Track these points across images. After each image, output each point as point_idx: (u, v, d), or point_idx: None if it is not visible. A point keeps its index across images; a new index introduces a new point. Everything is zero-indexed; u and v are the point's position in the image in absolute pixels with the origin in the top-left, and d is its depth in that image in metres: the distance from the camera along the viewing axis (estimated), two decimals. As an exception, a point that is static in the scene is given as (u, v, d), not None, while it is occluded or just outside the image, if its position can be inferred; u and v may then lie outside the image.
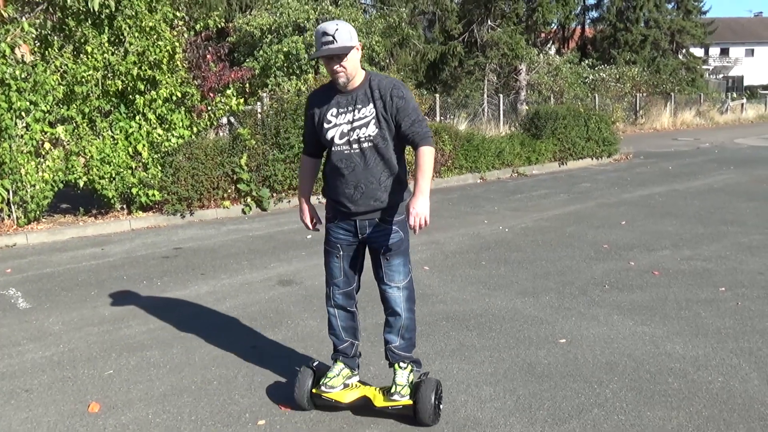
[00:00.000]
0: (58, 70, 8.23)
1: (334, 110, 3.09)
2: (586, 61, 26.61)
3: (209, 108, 9.67)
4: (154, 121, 8.80)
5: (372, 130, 3.03)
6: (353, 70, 3.02)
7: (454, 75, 22.06)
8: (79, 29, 8.47)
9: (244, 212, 9.29)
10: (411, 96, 3.09)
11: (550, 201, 9.59)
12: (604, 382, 3.60)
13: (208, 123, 9.73)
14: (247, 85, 12.19)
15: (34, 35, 8.08)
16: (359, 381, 3.46)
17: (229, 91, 9.90)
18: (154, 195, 8.62)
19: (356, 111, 3.03)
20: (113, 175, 8.40)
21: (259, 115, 10.78)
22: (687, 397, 3.41)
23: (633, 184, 11.03)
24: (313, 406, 3.35)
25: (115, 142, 8.50)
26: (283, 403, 3.48)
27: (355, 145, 3.05)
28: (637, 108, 25.56)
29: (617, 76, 25.20)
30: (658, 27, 30.98)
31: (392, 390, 3.19)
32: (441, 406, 3.21)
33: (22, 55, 8.03)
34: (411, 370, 3.29)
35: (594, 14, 33.79)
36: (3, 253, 7.26)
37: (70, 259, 6.87)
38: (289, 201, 9.77)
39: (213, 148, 9.09)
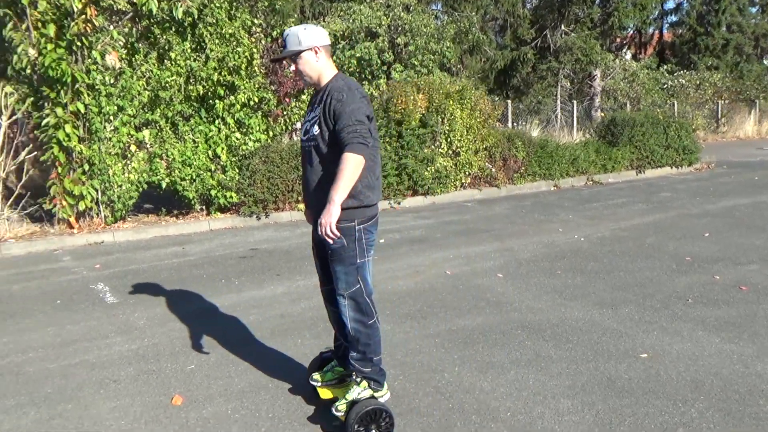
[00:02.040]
0: (144, 76, 8.58)
1: (309, 107, 3.21)
2: (665, 67, 25.73)
3: (285, 113, 9.87)
4: (233, 125, 9.05)
5: (315, 130, 3.05)
6: (311, 72, 3.08)
7: (526, 81, 21.76)
8: (164, 37, 8.81)
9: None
10: (352, 100, 2.93)
11: (627, 210, 9.31)
12: (689, 401, 3.46)
13: (284, 127, 9.94)
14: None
15: (122, 43, 8.46)
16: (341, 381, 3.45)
17: (304, 97, 10.07)
18: (231, 197, 8.87)
19: (313, 110, 3.09)
20: (194, 177, 8.69)
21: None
22: (780, 420, 3.24)
23: (716, 194, 10.57)
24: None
25: (196, 145, 8.79)
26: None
27: (306, 144, 3.12)
28: (719, 115, 24.50)
29: (697, 82, 24.24)
30: (741, 31, 29.65)
31: (336, 403, 3.18)
32: None
33: (112, 63, 8.41)
34: (366, 387, 3.16)
35: (673, 18, 32.63)
36: (92, 249, 7.62)
37: (153, 257, 7.13)
38: (361, 205, 9.85)
39: (288, 152, 9.27)
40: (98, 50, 7.98)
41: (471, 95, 10.85)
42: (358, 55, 13.15)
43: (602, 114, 18.79)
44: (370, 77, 13.56)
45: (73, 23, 7.65)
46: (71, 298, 5.60)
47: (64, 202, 7.97)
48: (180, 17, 8.44)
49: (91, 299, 5.56)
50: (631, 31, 29.46)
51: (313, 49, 3.05)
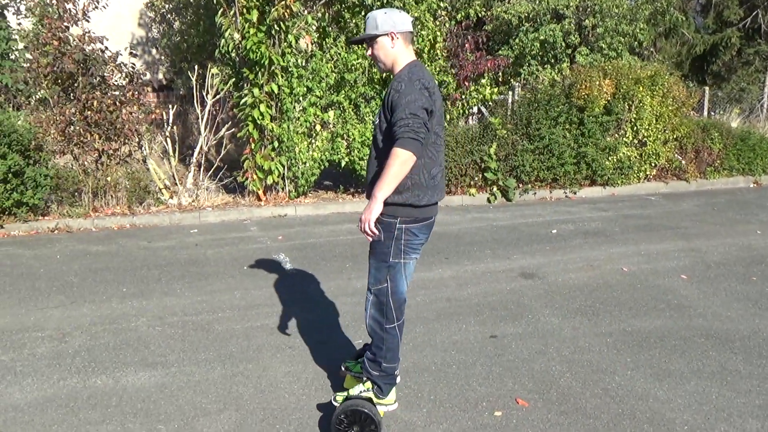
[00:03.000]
0: (332, 59, 8.97)
1: None
2: None
3: (463, 96, 9.84)
4: (411, 108, 9.17)
5: (376, 120, 2.92)
6: (385, 58, 2.96)
7: (728, 66, 19.71)
8: (353, 21, 9.14)
9: (489, 201, 9.33)
10: (410, 91, 2.76)
11: (843, 214, 8.16)
12: None
13: (461, 111, 9.92)
14: (501, 73, 12.14)
15: (315, 27, 8.91)
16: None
17: (483, 80, 9.97)
18: (405, 178, 9.03)
19: (384, 98, 2.91)
20: (371, 158, 8.95)
21: (510, 105, 10.71)
22: None
23: None
24: None
25: (375, 126, 9.03)
26: (521, 397, 3.43)
27: (372, 133, 2.99)
28: None
29: None
30: None
31: (337, 393, 3.11)
32: None
33: (305, 46, 8.89)
34: (369, 389, 3.03)
35: None
36: (276, 221, 8.18)
37: (330, 232, 7.49)
38: (535, 193, 9.59)
39: (463, 136, 9.25)
40: (294, 34, 8.45)
41: (663, 81, 10.05)
42: (542, 37, 12.69)
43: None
44: (552, 61, 13.05)
45: (273, 9, 8.17)
46: (256, 265, 6.05)
47: (255, 176, 8.62)
48: (371, 2, 8.70)
49: (273, 268, 5.96)
50: None
51: (390, 35, 2.93)
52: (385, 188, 2.74)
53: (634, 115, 9.87)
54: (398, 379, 3.36)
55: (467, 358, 3.95)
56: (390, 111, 2.82)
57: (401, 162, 2.71)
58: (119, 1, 11.65)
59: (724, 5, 19.05)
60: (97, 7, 8.62)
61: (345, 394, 3.12)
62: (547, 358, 3.93)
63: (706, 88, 16.51)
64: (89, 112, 8.00)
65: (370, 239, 2.89)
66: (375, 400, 3.04)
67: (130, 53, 9.08)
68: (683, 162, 10.46)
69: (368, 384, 3.08)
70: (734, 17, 19.07)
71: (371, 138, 3.12)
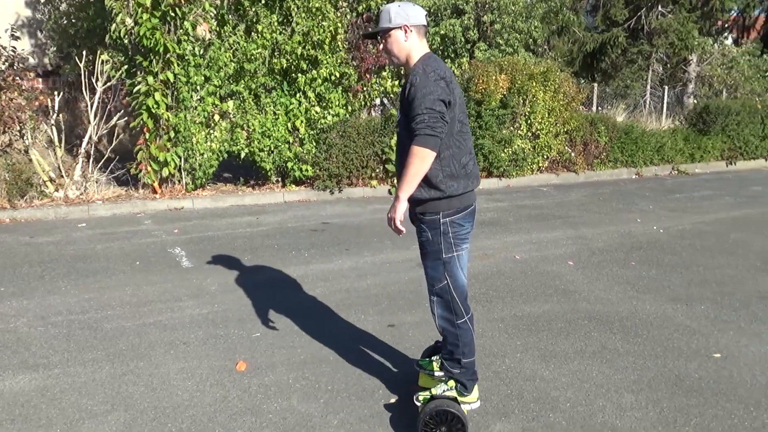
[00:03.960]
0: (231, 48, 8.76)
1: None
2: (768, 53, 24.09)
3: (365, 88, 9.88)
4: (313, 99, 9.15)
5: (398, 115, 2.90)
6: (398, 52, 2.91)
7: (615, 64, 20.86)
8: (253, 9, 8.97)
9: (389, 192, 9.44)
10: (424, 84, 2.72)
11: (713, 203, 8.84)
12: (763, 406, 3.27)
13: (363, 103, 9.96)
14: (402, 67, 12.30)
15: (213, 14, 8.67)
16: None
17: (384, 73, 10.05)
18: (307, 170, 9.00)
19: (402, 93, 2.90)
20: (272, 149, 8.86)
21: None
22: None
23: (814, 191, 9.90)
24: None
25: (276, 117, 8.93)
26: (416, 384, 3.50)
27: (397, 129, 2.98)
28: (826, 107, 22.81)
29: (804, 71, 22.59)
30: None
31: (420, 392, 3.10)
32: None
33: (202, 34, 8.63)
34: (452, 387, 3.01)
35: (782, 0, 30.43)
36: (172, 214, 7.92)
37: (229, 225, 7.34)
38: (435, 184, 9.79)
39: (365, 128, 9.30)
40: (190, 21, 8.19)
41: (555, 77, 10.52)
42: (442, 32, 12.95)
43: (695, 101, 17.85)
44: (453, 55, 13.35)
45: (167, -6, 7.89)
46: (150, 260, 5.85)
47: (149, 168, 8.30)
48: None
49: (167, 263, 5.78)
50: (735, 14, 27.68)
51: (403, 28, 2.87)
52: (407, 187, 2.73)
53: (528, 109, 10.27)
54: None
55: (365, 348, 3.99)
56: (408, 106, 2.76)
57: (420, 160, 2.68)
58: (-2, -20, 10.87)
59: (611, 4, 20.10)
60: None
61: (427, 394, 3.03)
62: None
63: (595, 85, 17.43)
64: (-37, 99, 7.43)
65: (399, 235, 2.83)
66: (459, 398, 2.98)
67: (11, 35, 8.48)
68: (573, 154, 11.00)
69: (451, 383, 3.01)
70: (620, 17, 20.16)
71: (397, 132, 3.01)
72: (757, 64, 21.58)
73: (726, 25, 28.27)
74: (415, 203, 2.87)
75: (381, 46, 3.01)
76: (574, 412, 3.23)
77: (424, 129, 2.67)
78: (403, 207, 2.76)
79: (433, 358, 3.32)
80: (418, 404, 3.05)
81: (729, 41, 26.51)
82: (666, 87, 18.87)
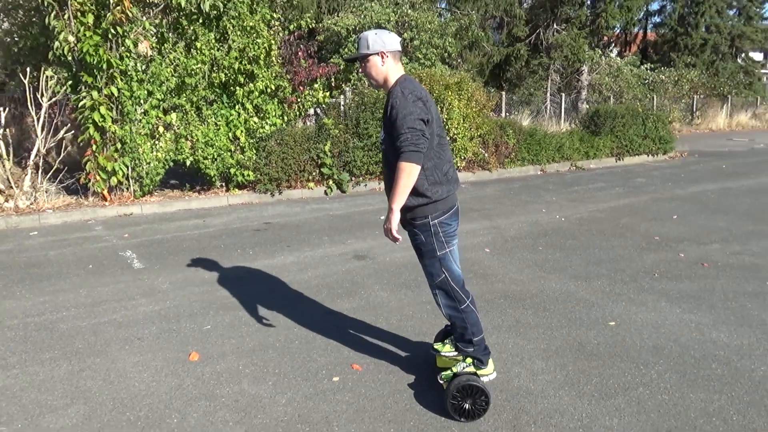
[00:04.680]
0: (172, 64, 8.52)
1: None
2: (647, 64, 25.39)
3: (299, 100, 9.81)
4: (251, 110, 9.01)
5: (382, 134, 2.97)
6: (376, 75, 2.95)
7: (519, 74, 21.51)
8: (191, 28, 8.74)
9: (326, 193, 9.43)
10: (404, 106, 2.77)
11: (605, 194, 9.27)
12: (650, 364, 3.48)
13: (298, 113, 9.89)
14: (333, 79, 12.27)
15: (153, 32, 8.40)
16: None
17: (316, 85, 10.01)
18: (249, 175, 8.87)
19: (384, 114, 2.96)
20: (215, 157, 8.68)
21: (342, 107, 10.87)
22: (729, 383, 3.25)
23: (686, 180, 10.51)
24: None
25: (218, 127, 8.76)
26: (355, 362, 3.54)
27: (381, 147, 3.03)
28: (694, 109, 24.25)
29: (676, 79, 23.91)
30: (718, 32, 29.16)
31: (443, 372, 3.16)
32: (469, 407, 2.94)
33: (144, 51, 8.36)
34: (470, 363, 3.08)
35: (656, 19, 32.12)
36: (122, 220, 7.65)
37: (177, 228, 7.15)
38: (365, 185, 9.83)
39: (301, 136, 9.24)
40: (131, 39, 7.91)
41: (468, 87, 10.75)
42: (366, 48, 13.02)
43: (587, 106, 18.61)
44: (377, 69, 13.46)
45: (109, 13, 7.59)
46: (102, 263, 5.64)
47: (98, 177, 7.98)
48: (207, 10, 8.38)
49: (119, 265, 5.59)
50: (618, 31, 28.99)
51: (380, 54, 2.91)
52: (399, 199, 2.80)
53: (445, 116, 10.46)
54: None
55: (308, 334, 3.99)
56: (392, 126, 2.81)
57: (407, 174, 2.76)
58: (-62, 1, 10.17)
59: (514, 24, 20.72)
60: None
61: (448, 372, 3.07)
62: (377, 328, 4.08)
63: (503, 93, 17.91)
64: None
65: (397, 243, 2.87)
66: (478, 372, 3.05)
67: (-46, 54, 7.98)
68: (486, 155, 11.28)
69: (468, 360, 3.07)
70: (522, 33, 20.80)
71: (382, 150, 2.98)
72: (638, 73, 22.74)
73: (611, 40, 29.61)
74: (405, 211, 2.92)
75: (361, 70, 3.03)
76: (495, 379, 3.33)
77: (408, 146, 2.75)
78: (397, 218, 2.83)
79: (446, 340, 3.35)
80: (442, 382, 3.11)
81: (614, 54, 27.78)
82: (563, 94, 19.60)
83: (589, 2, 21.87)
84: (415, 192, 2.88)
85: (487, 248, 6.06)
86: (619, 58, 24.14)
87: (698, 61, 28.18)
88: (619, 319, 4.18)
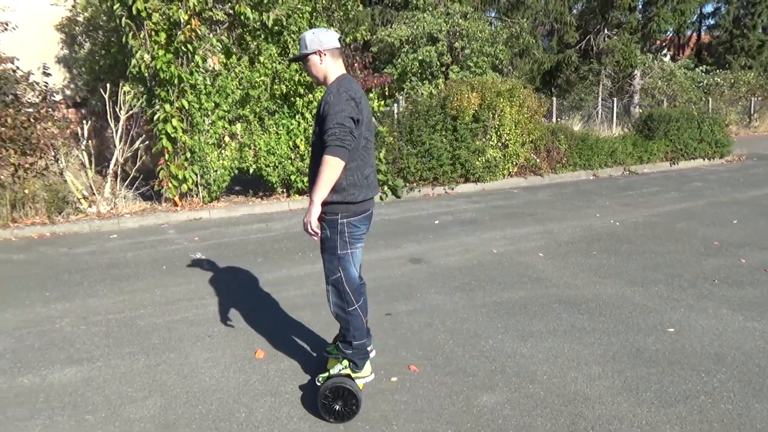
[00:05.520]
0: (237, 77, 8.75)
1: None
2: (701, 67, 24.36)
3: (355, 109, 9.88)
4: (310, 119, 9.14)
5: (315, 128, 2.92)
6: (316, 73, 2.94)
7: (569, 80, 21.04)
8: (254, 43, 8.95)
9: (381, 198, 9.46)
10: (336, 102, 2.75)
11: (660, 198, 8.93)
12: (712, 372, 3.32)
13: (354, 122, 9.95)
14: (387, 89, 12.32)
15: (220, 48, 8.66)
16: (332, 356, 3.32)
17: (371, 95, 10.07)
18: (307, 181, 8.98)
19: (318, 109, 2.91)
20: (276, 164, 8.84)
21: (395, 116, 10.89)
22: (799, 394, 3.07)
23: (745, 184, 10.00)
24: None
25: (279, 137, 8.93)
26: (412, 364, 3.53)
27: (313, 139, 3.00)
28: (752, 112, 23.08)
29: (732, 81, 22.82)
30: (776, 32, 27.69)
31: (320, 374, 3.12)
32: (340, 409, 2.91)
33: (211, 65, 8.62)
34: (345, 366, 3.03)
35: (710, 21, 30.81)
36: (192, 224, 7.89)
37: (242, 231, 7.32)
38: (420, 190, 9.82)
39: (357, 143, 9.29)
40: (200, 55, 8.18)
41: (519, 93, 10.58)
42: (420, 57, 13.01)
43: (640, 110, 18.01)
44: (430, 77, 13.40)
45: (180, 32, 7.86)
46: (174, 264, 5.83)
47: (170, 184, 8.27)
48: (270, 25, 8.58)
49: (190, 266, 5.76)
50: (670, 34, 27.95)
51: (317, 53, 2.90)
52: (320, 192, 2.76)
53: (498, 122, 10.33)
54: (373, 354, 3.32)
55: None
56: (323, 121, 2.78)
57: (331, 168, 2.72)
58: (31, 21, 10.77)
59: (564, 30, 20.27)
60: (6, 29, 7.96)
61: (326, 374, 3.07)
62: (433, 330, 4.06)
63: (554, 99, 17.55)
64: (3, 129, 7.37)
65: (315, 239, 2.87)
66: (353, 375, 3.03)
67: (44, 72, 8.41)
68: (537, 160, 11.07)
69: (345, 362, 3.05)
70: (572, 40, 20.34)
71: (312, 143, 3.02)
72: (692, 76, 21.84)
73: (663, 44, 28.57)
74: (322, 204, 2.90)
75: (304, 69, 3.05)
76: (550, 383, 3.26)
77: (335, 141, 2.72)
78: (317, 211, 2.79)
79: (336, 341, 3.36)
80: (319, 383, 3.06)
81: (667, 57, 26.78)
82: (615, 99, 19.04)
83: (640, 6, 21.17)
84: (333, 189, 2.83)
85: (541, 253, 5.93)
86: (672, 62, 23.27)
87: (755, 63, 26.82)
88: (678, 325, 4.01)
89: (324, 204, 2.85)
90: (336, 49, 2.94)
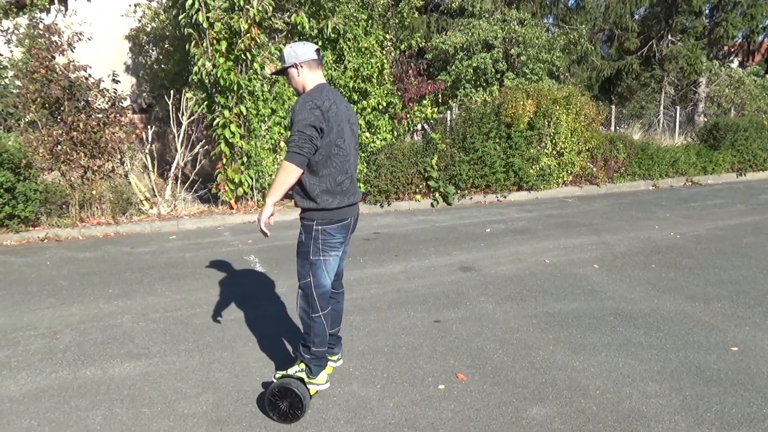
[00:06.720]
0: (293, 84, 8.92)
1: None
2: (773, 74, 23.14)
3: (408, 115, 9.93)
4: (364, 126, 9.23)
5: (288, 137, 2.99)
6: (295, 84, 3.03)
7: (630, 88, 20.41)
8: (311, 51, 9.12)
9: (432, 205, 9.43)
10: (300, 111, 2.81)
11: (725, 211, 8.54)
12: (779, 395, 3.14)
13: (407, 128, 10.00)
14: (440, 96, 12.30)
15: (278, 56, 8.86)
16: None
17: (425, 102, 10.08)
18: (360, 187, 9.07)
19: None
20: (330, 170, 8.94)
21: (448, 123, 10.86)
22: None
23: (819, 198, 9.45)
24: None
25: (333, 142, 9.03)
26: (460, 372, 3.49)
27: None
28: (828, 121, 21.75)
29: (807, 89, 21.60)
30: None
31: (277, 372, 3.16)
32: (285, 409, 2.94)
33: (269, 72, 8.84)
34: (301, 369, 3.09)
35: (784, 26, 29.26)
36: (246, 227, 8.09)
37: (294, 235, 7.44)
38: (471, 197, 9.74)
39: (409, 150, 9.33)
40: (259, 62, 8.39)
41: (576, 101, 10.36)
42: (474, 64, 12.92)
43: (705, 119, 17.29)
44: (484, 84, 13.30)
45: (240, 41, 8.10)
46: (229, 266, 5.98)
47: (227, 188, 8.51)
48: (329, 33, 8.72)
49: (245, 267, 5.91)
50: (739, 40, 26.74)
51: (295, 65, 2.98)
52: (273, 194, 2.85)
53: (553, 130, 10.14)
54: (339, 363, 3.41)
55: (415, 341, 3.99)
56: (290, 128, 2.91)
57: (286, 172, 2.82)
58: (103, 32, 11.35)
59: (625, 37, 19.72)
60: (81, 39, 8.40)
61: (284, 372, 3.15)
62: (482, 338, 4.01)
63: (613, 107, 17.07)
64: (75, 133, 7.78)
65: (266, 237, 2.98)
66: (306, 379, 3.08)
67: (113, 80, 8.83)
68: (594, 169, 10.79)
69: (301, 365, 3.12)
70: (633, 46, 19.75)
71: None
72: (763, 84, 20.81)
73: (732, 50, 27.35)
74: (300, 209, 3.00)
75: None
76: (603, 398, 3.16)
77: (293, 148, 2.80)
78: (267, 212, 2.90)
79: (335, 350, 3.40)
80: (274, 380, 3.10)
81: (735, 64, 25.62)
82: (678, 107, 18.34)
83: (707, 11, 20.36)
84: (307, 195, 2.92)
85: (596, 264, 5.77)
86: (740, 69, 22.25)
87: (832, 70, 25.30)
88: (742, 344, 3.81)
89: (303, 210, 2.97)
90: (313, 61, 3.02)
